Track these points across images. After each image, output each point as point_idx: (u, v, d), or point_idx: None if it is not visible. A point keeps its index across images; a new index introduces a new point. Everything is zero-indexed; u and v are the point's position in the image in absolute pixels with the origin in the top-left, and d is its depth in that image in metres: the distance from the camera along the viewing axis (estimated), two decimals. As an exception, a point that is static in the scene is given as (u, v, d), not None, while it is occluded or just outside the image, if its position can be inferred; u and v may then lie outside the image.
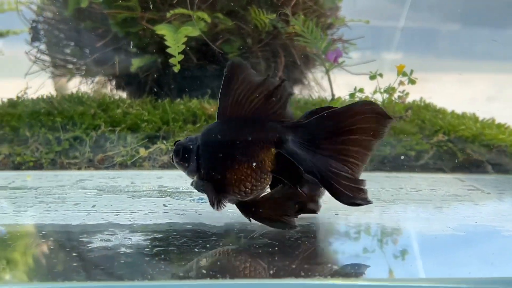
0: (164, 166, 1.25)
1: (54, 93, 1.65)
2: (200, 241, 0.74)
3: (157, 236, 0.76)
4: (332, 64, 1.41)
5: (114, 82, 1.72)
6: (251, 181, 0.77)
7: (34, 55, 1.92)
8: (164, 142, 1.27)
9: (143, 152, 1.25)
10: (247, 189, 0.77)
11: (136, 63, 1.59)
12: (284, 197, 0.77)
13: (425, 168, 1.29)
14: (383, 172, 1.28)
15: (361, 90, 1.37)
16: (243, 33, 1.66)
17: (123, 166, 1.24)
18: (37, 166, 1.22)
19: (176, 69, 1.26)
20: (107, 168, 1.23)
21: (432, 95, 1.61)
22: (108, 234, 0.75)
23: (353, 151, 0.76)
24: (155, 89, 1.55)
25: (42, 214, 0.86)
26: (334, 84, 1.82)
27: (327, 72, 1.43)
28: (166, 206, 0.92)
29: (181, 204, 0.94)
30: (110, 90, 1.65)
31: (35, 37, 1.98)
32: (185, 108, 1.43)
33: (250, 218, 0.78)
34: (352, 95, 1.35)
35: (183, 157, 0.80)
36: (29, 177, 1.14)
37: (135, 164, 1.24)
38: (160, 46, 1.65)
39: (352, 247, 0.78)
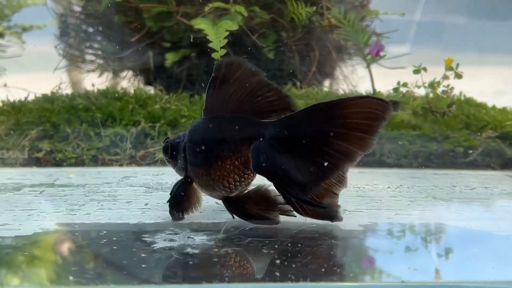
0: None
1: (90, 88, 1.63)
2: (267, 241, 0.72)
3: (219, 236, 0.74)
4: (373, 57, 1.37)
5: (146, 77, 1.70)
6: (235, 177, 0.76)
7: (62, 49, 1.91)
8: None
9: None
10: (231, 185, 0.76)
11: (170, 58, 1.57)
12: (267, 193, 0.75)
13: (473, 165, 1.25)
14: (430, 169, 1.24)
15: (405, 85, 1.34)
16: (278, 27, 1.64)
17: (164, 162, 1.21)
18: (79, 162, 1.21)
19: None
20: (149, 164, 1.22)
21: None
22: (170, 234, 0.73)
23: (337, 149, 0.68)
24: (193, 84, 1.53)
25: (97, 212, 0.84)
26: (359, 78, 1.79)
27: (368, 66, 1.40)
28: (219, 204, 0.90)
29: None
30: (144, 86, 1.62)
31: (63, 32, 1.97)
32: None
33: (234, 215, 0.77)
34: (396, 90, 1.32)
35: (171, 154, 0.81)
36: (73, 174, 1.13)
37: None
38: (194, 40, 1.63)
39: (419, 247, 0.75)
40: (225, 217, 0.83)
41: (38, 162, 1.20)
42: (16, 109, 1.38)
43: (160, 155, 1.22)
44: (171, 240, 0.71)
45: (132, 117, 1.31)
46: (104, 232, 0.74)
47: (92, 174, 1.14)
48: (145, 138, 1.26)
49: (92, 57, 1.78)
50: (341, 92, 1.73)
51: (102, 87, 1.59)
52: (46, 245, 0.71)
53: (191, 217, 0.82)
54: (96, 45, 1.80)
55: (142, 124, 1.28)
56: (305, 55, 1.69)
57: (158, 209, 0.86)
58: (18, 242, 0.69)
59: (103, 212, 0.84)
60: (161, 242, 0.70)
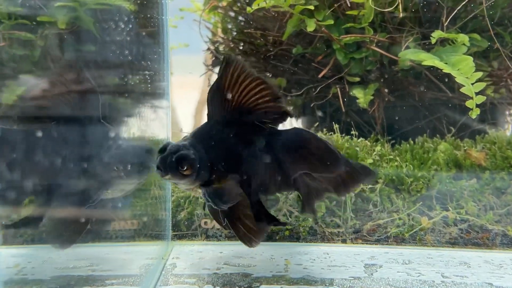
0: (453, 242, 0.96)
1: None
2: None
3: None
4: None
5: (326, 118, 1.47)
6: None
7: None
8: (449, 208, 0.99)
9: (425, 222, 0.97)
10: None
11: (360, 95, 1.33)
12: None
13: None
14: None
15: None
16: (489, 57, 1.34)
17: (398, 239, 0.97)
18: (293, 235, 0.99)
19: (473, 114, 0.96)
20: (379, 241, 0.97)
21: None
22: None
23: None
24: (392, 127, 1.27)
25: None
26: None
27: None
28: None
29: None
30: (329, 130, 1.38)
31: (216, 61, 1.80)
32: (446, 155, 1.13)
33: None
34: None
35: (189, 167, 0.73)
36: (289, 262, 0.90)
37: (414, 237, 0.97)
38: (382, 73, 1.38)
39: None
40: None
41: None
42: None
43: (394, 229, 0.98)
44: None
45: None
46: None
47: (319, 255, 0.91)
48: (366, 203, 1.02)
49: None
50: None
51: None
52: None
53: None
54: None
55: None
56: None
57: None
58: None
59: None
60: None
